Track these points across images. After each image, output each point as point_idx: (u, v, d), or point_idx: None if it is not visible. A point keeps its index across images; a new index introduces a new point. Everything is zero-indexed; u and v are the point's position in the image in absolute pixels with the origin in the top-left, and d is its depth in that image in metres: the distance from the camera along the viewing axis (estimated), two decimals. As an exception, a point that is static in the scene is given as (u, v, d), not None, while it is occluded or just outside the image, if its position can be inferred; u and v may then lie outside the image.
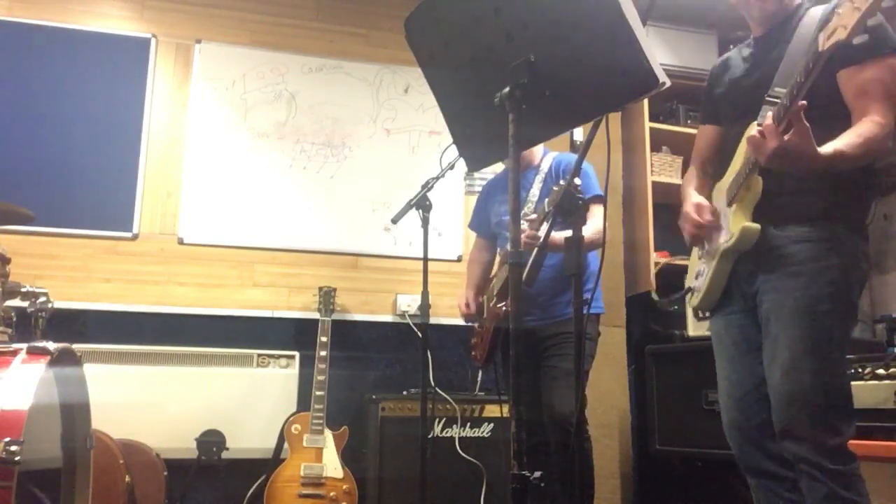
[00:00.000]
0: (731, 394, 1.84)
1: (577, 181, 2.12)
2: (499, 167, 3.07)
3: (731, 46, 4.21)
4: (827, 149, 1.55)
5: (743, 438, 1.81)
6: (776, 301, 1.69)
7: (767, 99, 1.72)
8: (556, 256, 2.53)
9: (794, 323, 1.65)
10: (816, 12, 1.75)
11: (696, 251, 2.02)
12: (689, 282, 2.03)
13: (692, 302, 1.99)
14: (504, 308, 2.59)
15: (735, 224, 1.74)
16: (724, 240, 1.78)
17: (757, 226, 1.71)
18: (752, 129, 1.70)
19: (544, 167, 2.73)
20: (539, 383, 2.61)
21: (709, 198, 1.92)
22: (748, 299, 1.80)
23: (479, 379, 3.47)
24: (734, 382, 1.84)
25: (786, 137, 1.50)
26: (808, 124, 1.48)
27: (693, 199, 1.91)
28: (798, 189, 1.71)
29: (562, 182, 2.17)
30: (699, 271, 1.95)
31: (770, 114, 1.56)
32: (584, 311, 2.55)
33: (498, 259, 2.91)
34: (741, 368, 1.82)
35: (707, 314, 3.01)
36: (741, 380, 1.82)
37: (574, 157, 2.83)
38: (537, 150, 2.78)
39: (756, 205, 1.73)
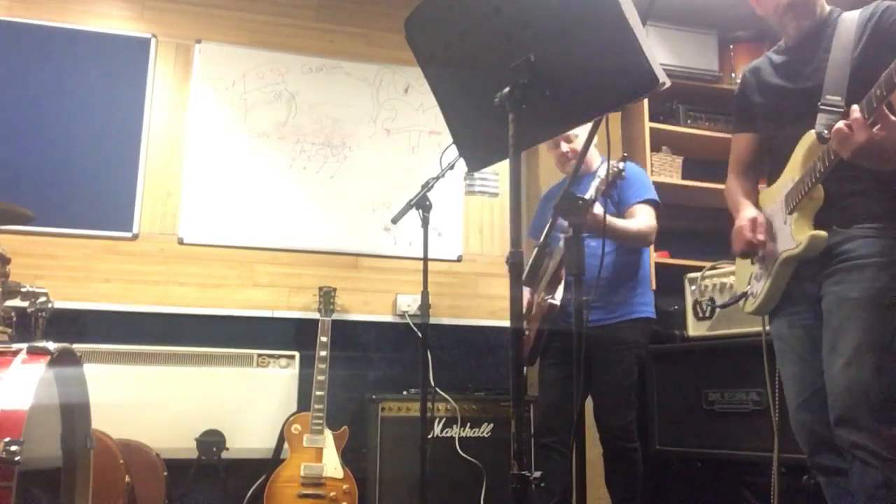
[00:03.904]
0: (800, 394, 1.84)
1: (621, 166, 2.22)
2: (559, 176, 3.08)
3: (731, 46, 4.21)
4: None
5: (815, 439, 1.80)
6: (839, 293, 1.71)
7: (821, 107, 1.75)
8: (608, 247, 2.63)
9: (858, 314, 1.66)
10: (850, 18, 1.79)
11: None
12: (741, 286, 2.05)
13: (747, 307, 2.01)
14: (550, 301, 2.60)
15: (800, 232, 1.77)
16: (789, 247, 1.80)
17: (824, 234, 1.74)
18: (812, 138, 1.75)
19: (601, 173, 2.74)
20: (567, 382, 2.63)
21: (756, 204, 1.96)
22: (812, 300, 1.81)
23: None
24: (803, 383, 1.83)
25: (874, 130, 1.51)
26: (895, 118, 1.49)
27: (747, 212, 1.93)
28: (860, 192, 1.74)
29: (608, 167, 2.28)
30: (755, 276, 1.96)
31: (856, 107, 1.55)
32: (633, 316, 2.68)
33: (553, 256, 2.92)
34: (809, 368, 1.81)
35: (706, 315, 3.02)
36: (809, 379, 1.81)
37: (632, 164, 2.89)
38: (594, 157, 2.82)
39: (817, 211, 1.76)
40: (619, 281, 2.69)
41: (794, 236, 1.78)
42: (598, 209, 2.31)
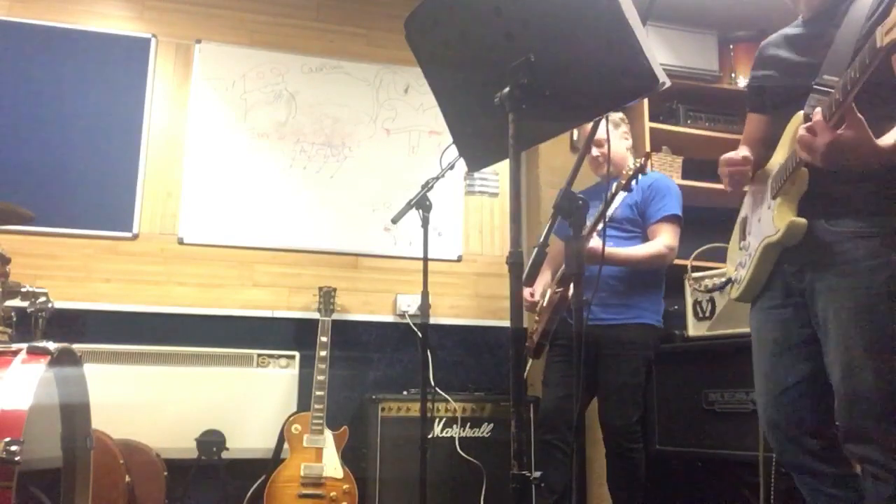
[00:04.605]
0: (769, 391, 1.80)
1: (633, 166, 2.32)
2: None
3: (731, 46, 4.19)
4: (888, 140, 1.48)
5: (781, 436, 1.78)
6: (832, 301, 1.64)
7: (815, 87, 1.66)
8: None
9: (852, 323, 1.60)
10: None
11: (736, 242, 1.99)
12: (730, 272, 1.99)
13: (732, 293, 1.95)
14: (559, 294, 2.60)
15: (780, 218, 1.70)
16: (769, 233, 1.74)
17: (804, 221, 1.67)
18: (800, 119, 1.66)
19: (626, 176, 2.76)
20: (571, 379, 2.65)
21: (756, 180, 1.88)
22: (794, 294, 1.75)
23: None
24: (772, 380, 1.80)
25: (839, 131, 1.44)
26: (861, 116, 1.42)
27: (742, 151, 1.85)
28: (851, 180, 1.64)
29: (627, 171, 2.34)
30: (740, 262, 1.91)
31: (818, 109, 1.49)
32: (643, 320, 2.72)
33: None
34: (780, 365, 1.78)
35: (706, 315, 3.01)
36: (779, 377, 1.78)
37: (660, 174, 2.92)
38: (627, 161, 2.82)
39: (802, 197, 1.69)
40: (634, 283, 2.71)
41: (775, 222, 1.71)
42: (595, 242, 2.34)
